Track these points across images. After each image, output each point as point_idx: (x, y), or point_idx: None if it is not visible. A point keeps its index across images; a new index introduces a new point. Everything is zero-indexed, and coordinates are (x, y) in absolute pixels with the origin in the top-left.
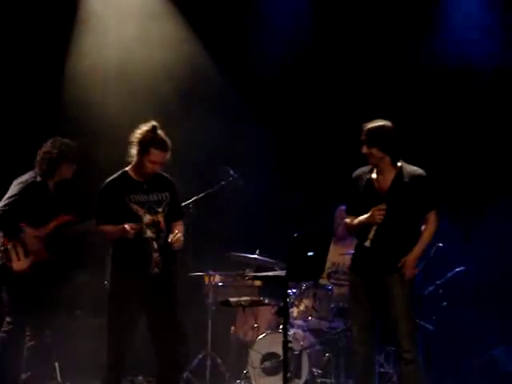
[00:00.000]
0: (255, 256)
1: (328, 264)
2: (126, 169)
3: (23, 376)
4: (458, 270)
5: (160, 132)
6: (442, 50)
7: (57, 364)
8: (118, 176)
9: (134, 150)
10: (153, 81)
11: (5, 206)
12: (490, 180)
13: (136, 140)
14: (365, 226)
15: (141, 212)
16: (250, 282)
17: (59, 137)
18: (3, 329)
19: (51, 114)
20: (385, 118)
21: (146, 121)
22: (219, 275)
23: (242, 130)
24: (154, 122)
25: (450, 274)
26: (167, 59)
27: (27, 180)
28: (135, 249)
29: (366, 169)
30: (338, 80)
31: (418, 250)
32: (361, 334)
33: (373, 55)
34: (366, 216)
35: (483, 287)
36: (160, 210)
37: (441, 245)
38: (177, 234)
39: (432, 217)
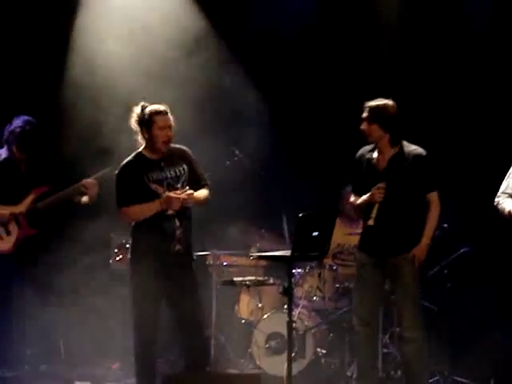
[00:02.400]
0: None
1: (333, 245)
2: (139, 150)
3: (28, 353)
4: (462, 250)
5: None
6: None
7: (62, 342)
8: (133, 157)
9: (140, 133)
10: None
11: None
12: (495, 160)
13: (137, 122)
14: (368, 205)
15: (160, 190)
16: (254, 261)
17: (31, 118)
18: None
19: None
20: (387, 97)
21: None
22: (224, 255)
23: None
24: (141, 103)
25: (454, 255)
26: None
27: None
28: (158, 226)
29: (368, 147)
30: (338, 58)
31: (428, 233)
32: (365, 313)
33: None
34: (367, 195)
35: (487, 268)
36: (179, 185)
37: (446, 225)
38: (187, 190)
39: (433, 198)
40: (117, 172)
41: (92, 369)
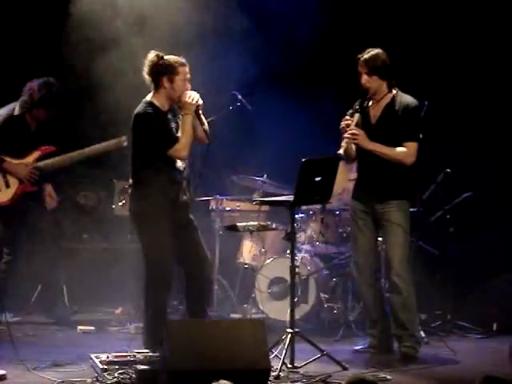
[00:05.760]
0: (262, 179)
1: (339, 189)
2: (149, 100)
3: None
4: (465, 195)
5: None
6: None
7: (64, 287)
8: (150, 107)
9: (157, 81)
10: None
11: None
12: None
13: (155, 70)
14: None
15: None
16: (257, 206)
17: (52, 79)
18: (3, 260)
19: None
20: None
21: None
22: (226, 200)
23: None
24: (154, 52)
25: (457, 200)
26: None
27: (5, 114)
28: (170, 177)
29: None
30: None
31: (381, 148)
32: (362, 258)
33: None
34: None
35: (488, 210)
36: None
37: (448, 170)
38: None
39: (409, 145)
40: (144, 118)
41: (95, 314)
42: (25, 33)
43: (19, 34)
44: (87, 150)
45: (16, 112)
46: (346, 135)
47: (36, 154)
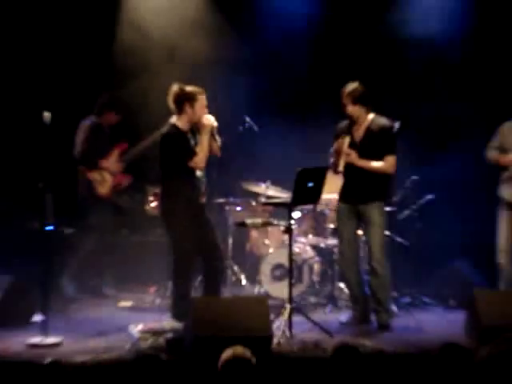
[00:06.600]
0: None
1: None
2: (173, 123)
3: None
4: (428, 197)
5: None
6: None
7: (106, 275)
8: (174, 128)
9: (180, 108)
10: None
11: (82, 148)
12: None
13: (178, 99)
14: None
15: None
16: (262, 207)
17: (113, 92)
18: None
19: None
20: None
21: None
22: (237, 201)
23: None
24: (176, 84)
25: (422, 201)
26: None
27: (88, 125)
28: (191, 184)
29: (345, 122)
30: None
31: (368, 164)
32: (346, 248)
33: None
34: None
35: (447, 209)
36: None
37: (415, 177)
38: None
39: (387, 159)
40: (169, 138)
41: (133, 293)
42: (81, 58)
43: (77, 59)
44: (150, 139)
45: (95, 121)
46: (343, 154)
47: (117, 152)
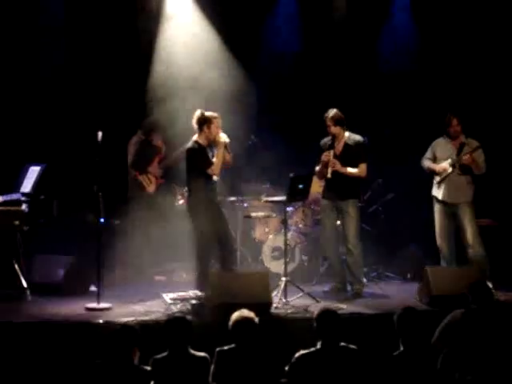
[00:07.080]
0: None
1: (314, 193)
2: (195, 140)
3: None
4: (390, 195)
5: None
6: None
7: (146, 256)
8: (197, 144)
9: (200, 128)
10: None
11: (133, 158)
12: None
13: (200, 121)
14: (324, 169)
15: None
16: (264, 203)
17: (154, 117)
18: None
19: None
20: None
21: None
22: (244, 199)
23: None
24: (199, 110)
25: (385, 199)
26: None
27: (137, 140)
28: (210, 186)
29: (327, 139)
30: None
31: (347, 169)
32: (328, 234)
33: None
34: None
35: (403, 207)
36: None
37: (380, 180)
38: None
39: (361, 166)
40: (193, 151)
41: (166, 269)
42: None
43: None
44: (178, 152)
45: (142, 137)
46: (330, 164)
47: (157, 160)
